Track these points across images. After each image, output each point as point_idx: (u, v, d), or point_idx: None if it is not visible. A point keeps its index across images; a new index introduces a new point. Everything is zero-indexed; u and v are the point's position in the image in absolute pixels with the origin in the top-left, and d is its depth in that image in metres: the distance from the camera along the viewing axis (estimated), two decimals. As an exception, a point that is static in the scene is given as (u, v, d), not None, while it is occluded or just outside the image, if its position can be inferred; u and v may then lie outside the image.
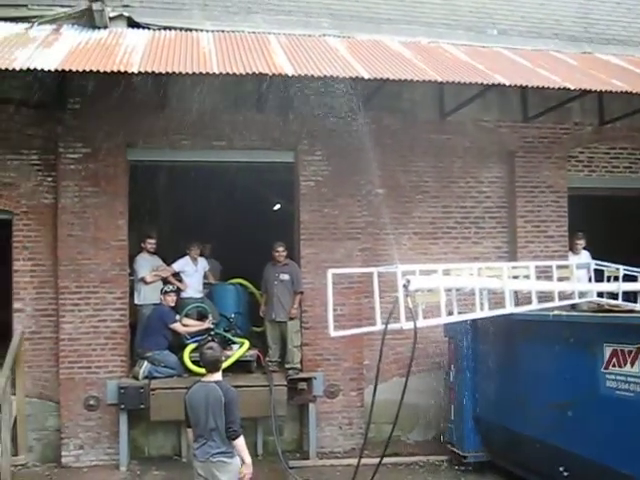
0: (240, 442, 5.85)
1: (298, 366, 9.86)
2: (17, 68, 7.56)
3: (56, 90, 9.51)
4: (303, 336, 10.01)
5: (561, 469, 7.03)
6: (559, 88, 9.04)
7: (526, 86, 9.10)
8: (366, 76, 8.30)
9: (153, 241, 10.46)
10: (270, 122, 10.06)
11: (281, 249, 10.02)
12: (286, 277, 9.96)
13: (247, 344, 9.81)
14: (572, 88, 9.11)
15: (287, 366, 9.82)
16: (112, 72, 7.72)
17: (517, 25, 11.39)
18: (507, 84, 8.82)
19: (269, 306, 10.07)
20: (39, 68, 7.59)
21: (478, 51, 10.47)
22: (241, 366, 9.73)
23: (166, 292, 9.90)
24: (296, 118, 10.03)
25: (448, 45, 10.56)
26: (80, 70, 7.63)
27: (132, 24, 9.73)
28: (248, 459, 5.90)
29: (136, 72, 7.84)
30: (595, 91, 9.48)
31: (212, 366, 6.02)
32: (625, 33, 11.91)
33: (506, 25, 11.32)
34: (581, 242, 11.08)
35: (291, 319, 9.89)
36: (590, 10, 11.81)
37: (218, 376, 6.04)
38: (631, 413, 6.16)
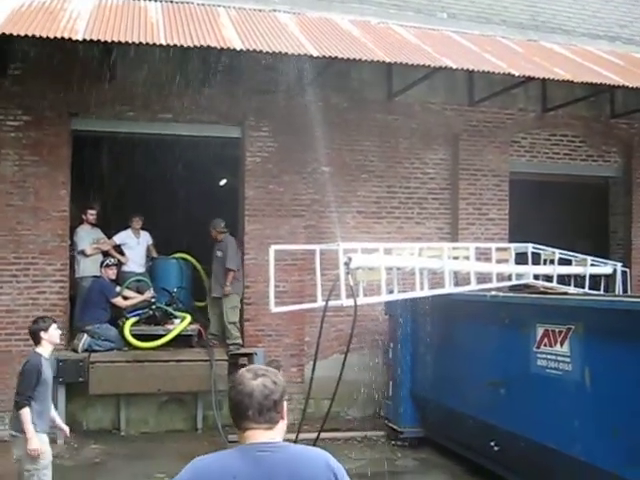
0: (22, 412, 5.50)
1: (238, 341, 9.89)
2: (-47, 30, 7.32)
3: (-5, 55, 9.24)
4: (245, 311, 10.06)
5: (492, 444, 7.24)
6: (504, 74, 9.21)
7: (472, 70, 9.24)
8: (315, 54, 8.30)
9: (94, 212, 10.28)
10: (217, 96, 9.96)
11: (212, 229, 10.06)
12: (219, 253, 9.98)
13: (189, 318, 9.81)
14: (516, 74, 9.29)
15: (228, 341, 9.85)
16: (55, 38, 7.52)
17: (466, 10, 11.49)
18: (454, 67, 8.94)
19: (210, 281, 10.20)
20: (-23, 31, 7.35)
21: (427, 34, 10.54)
22: (183, 341, 9.73)
23: (107, 265, 9.79)
24: (244, 93, 9.98)
25: (397, 26, 10.61)
26: (22, 35, 7.42)
27: (77, -11, 9.46)
28: (29, 434, 5.47)
29: (81, 39, 7.64)
30: (538, 78, 9.68)
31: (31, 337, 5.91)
32: (570, 23, 12.16)
33: (455, 9, 11.42)
34: None
35: (225, 295, 9.85)
36: (537, -1, 12.02)
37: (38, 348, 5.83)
38: (558, 390, 6.39)
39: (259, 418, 2.39)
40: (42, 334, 5.81)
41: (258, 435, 2.41)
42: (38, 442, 5.55)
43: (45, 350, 5.84)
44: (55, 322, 6.04)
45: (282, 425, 2.48)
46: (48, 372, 5.80)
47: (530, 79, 9.68)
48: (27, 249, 9.39)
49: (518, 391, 7.04)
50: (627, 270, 11.09)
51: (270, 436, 2.42)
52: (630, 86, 9.62)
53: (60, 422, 6.21)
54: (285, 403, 2.48)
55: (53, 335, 5.87)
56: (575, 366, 6.24)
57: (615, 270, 10.82)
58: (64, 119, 9.59)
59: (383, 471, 7.97)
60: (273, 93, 9.81)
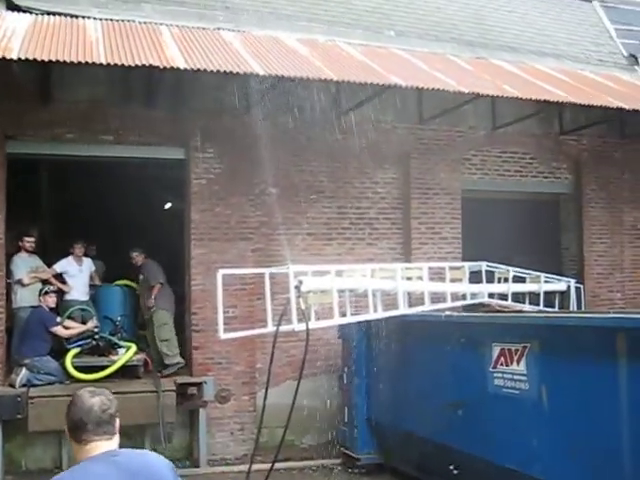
0: None
1: (176, 360, 9.73)
2: None
3: None
4: (193, 339, 9.75)
5: (451, 467, 7.07)
6: (454, 91, 9.14)
7: (422, 88, 9.17)
8: (261, 72, 8.14)
9: (32, 239, 9.88)
10: (161, 117, 9.65)
11: (135, 254, 10.46)
12: (142, 277, 10.42)
13: (134, 348, 9.46)
14: (466, 92, 9.25)
15: (165, 362, 9.71)
16: (-12, 57, 7.19)
17: (414, 27, 11.50)
18: (403, 85, 8.85)
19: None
20: None
21: (375, 51, 10.48)
22: (129, 371, 9.34)
23: (46, 293, 9.36)
24: (188, 114, 9.71)
25: (345, 44, 10.52)
26: (-50, 53, 7.07)
27: (11, 7, 9.17)
28: None
29: (15, 58, 7.32)
30: (488, 95, 9.66)
31: None
32: (517, 41, 12.30)
33: (403, 27, 11.41)
34: None
35: (151, 311, 9.97)
36: (485, 17, 12.13)
37: None
38: (516, 410, 6.28)
39: (99, 430, 2.61)
40: None
41: (100, 446, 2.61)
42: None
43: None
44: None
45: (117, 439, 2.69)
46: None
47: (479, 96, 9.65)
48: (-40, 279, 8.92)
49: (476, 412, 6.89)
50: (581, 286, 11.08)
51: (111, 446, 2.64)
52: (578, 103, 9.69)
53: None
54: (118, 420, 2.70)
55: None
56: (532, 385, 6.15)
57: (569, 286, 10.81)
58: (-1, 142, 9.18)
59: (340, 501, 7.72)
60: (218, 113, 9.56)
